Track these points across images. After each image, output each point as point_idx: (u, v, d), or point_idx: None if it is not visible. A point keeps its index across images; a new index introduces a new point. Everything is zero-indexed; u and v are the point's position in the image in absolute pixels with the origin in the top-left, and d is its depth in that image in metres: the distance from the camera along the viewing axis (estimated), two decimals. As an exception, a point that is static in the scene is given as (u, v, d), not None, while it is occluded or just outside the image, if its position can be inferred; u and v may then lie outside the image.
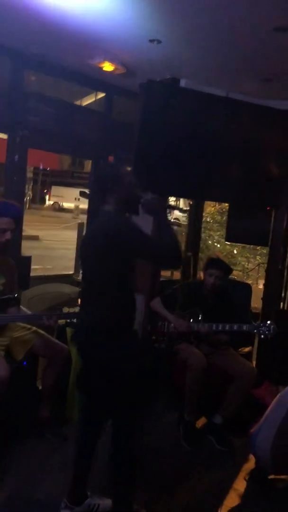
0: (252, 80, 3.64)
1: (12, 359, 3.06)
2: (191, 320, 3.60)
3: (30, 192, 25.77)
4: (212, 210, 7.74)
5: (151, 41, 3.16)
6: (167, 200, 4.22)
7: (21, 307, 3.27)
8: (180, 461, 3.15)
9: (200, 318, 3.61)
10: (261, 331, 3.39)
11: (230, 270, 3.74)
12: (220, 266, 3.65)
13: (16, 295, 3.18)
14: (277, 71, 3.43)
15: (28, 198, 24.96)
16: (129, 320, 2.39)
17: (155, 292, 3.96)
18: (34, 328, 3.21)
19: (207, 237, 7.26)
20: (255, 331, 3.46)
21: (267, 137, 3.94)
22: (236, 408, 3.47)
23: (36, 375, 3.41)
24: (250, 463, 3.13)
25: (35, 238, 14.95)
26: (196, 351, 3.52)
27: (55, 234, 15.69)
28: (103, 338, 2.27)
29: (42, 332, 3.22)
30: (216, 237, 7.39)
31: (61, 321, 3.50)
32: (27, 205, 24.18)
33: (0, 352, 2.96)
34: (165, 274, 5.75)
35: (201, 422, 3.67)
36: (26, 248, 12.87)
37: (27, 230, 15.94)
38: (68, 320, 3.43)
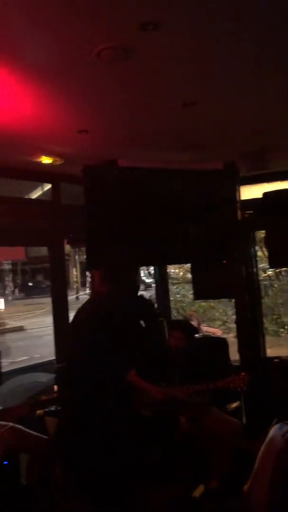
0: (178, 149, 3.92)
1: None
2: (168, 385, 3.59)
3: (11, 284, 25.85)
4: (178, 270, 7.90)
5: (79, 132, 3.40)
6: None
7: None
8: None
9: (177, 381, 3.61)
10: (232, 386, 3.39)
11: (191, 331, 3.79)
12: (180, 327, 3.71)
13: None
14: (192, 140, 3.72)
15: (9, 290, 25.02)
16: None
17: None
18: (11, 424, 3.17)
19: (182, 297, 7.35)
20: (231, 385, 3.46)
21: (206, 195, 4.17)
22: (228, 467, 3.39)
23: (19, 472, 3.31)
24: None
25: (20, 329, 14.84)
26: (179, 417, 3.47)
27: (40, 321, 15.58)
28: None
29: (19, 427, 3.17)
30: (190, 296, 7.48)
31: (39, 412, 3.47)
32: (10, 298, 24.17)
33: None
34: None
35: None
36: (12, 341, 12.75)
37: (11, 323, 15.91)
38: (47, 409, 3.39)
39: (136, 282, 2.64)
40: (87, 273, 19.63)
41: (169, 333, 3.73)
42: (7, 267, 23.31)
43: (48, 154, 3.75)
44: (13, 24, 2.01)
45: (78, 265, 23.63)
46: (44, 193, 4.65)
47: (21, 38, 2.14)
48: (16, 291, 26.51)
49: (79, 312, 2.70)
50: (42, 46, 2.21)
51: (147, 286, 8.86)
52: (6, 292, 24.11)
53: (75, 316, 2.78)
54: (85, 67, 2.42)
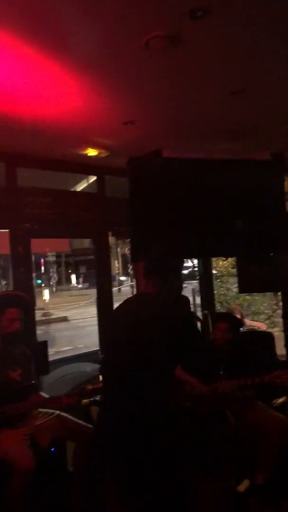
0: (226, 139, 3.84)
1: (39, 447, 3.06)
2: (213, 380, 3.56)
3: (55, 275, 26.38)
4: (224, 263, 7.80)
5: (125, 123, 3.40)
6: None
7: (41, 393, 3.32)
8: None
9: (221, 375, 3.57)
10: (278, 381, 3.31)
11: (237, 323, 3.73)
12: (225, 319, 3.66)
13: (33, 382, 3.24)
14: (239, 130, 3.65)
15: (53, 281, 25.54)
16: None
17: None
18: (57, 412, 3.23)
19: (225, 291, 7.27)
20: (277, 380, 3.38)
21: (253, 187, 4.07)
22: (275, 465, 3.33)
23: (66, 459, 3.37)
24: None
25: (64, 319, 15.13)
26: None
27: (83, 312, 15.85)
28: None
29: (65, 415, 3.23)
30: (234, 290, 7.38)
31: (85, 401, 3.52)
32: (54, 289, 24.69)
33: (25, 442, 2.96)
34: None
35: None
36: (56, 331, 13.03)
37: (56, 313, 16.26)
38: (92, 399, 3.43)
39: (180, 279, 2.57)
40: (129, 266, 19.77)
41: (213, 326, 3.69)
42: (51, 259, 23.77)
43: (94, 146, 3.78)
44: (63, 16, 2.03)
45: (119, 257, 23.83)
46: (89, 186, 4.69)
47: (71, 31, 2.16)
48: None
49: (123, 309, 2.59)
50: (91, 37, 2.22)
51: (192, 277, 8.78)
52: (51, 283, 24.64)
53: (120, 312, 2.62)
54: (133, 57, 2.41)
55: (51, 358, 4.23)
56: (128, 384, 2.22)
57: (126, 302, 2.54)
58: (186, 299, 3.19)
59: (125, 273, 23.98)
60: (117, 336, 2.38)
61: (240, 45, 2.39)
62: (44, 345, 3.97)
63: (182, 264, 2.62)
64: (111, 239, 5.11)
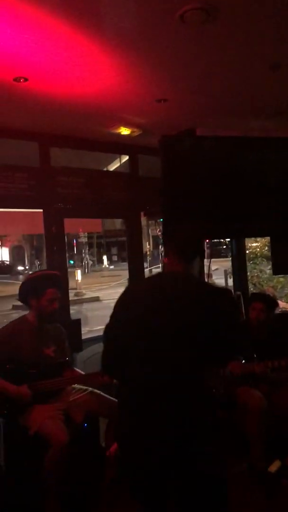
0: (262, 116, 3.74)
1: (72, 422, 3.13)
2: (246, 360, 3.54)
3: (87, 256, 26.67)
4: (258, 245, 7.68)
5: (158, 101, 3.35)
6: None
7: (76, 369, 3.39)
8: None
9: (254, 356, 3.54)
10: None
11: (273, 302, 3.69)
12: (261, 299, 3.62)
13: (67, 358, 3.30)
14: (276, 107, 3.54)
15: (85, 262, 25.85)
16: None
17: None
18: (90, 389, 3.29)
19: (258, 273, 7.18)
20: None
21: (285, 166, 3.97)
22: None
23: (98, 435, 3.44)
24: None
25: (96, 299, 15.32)
26: (254, 393, 3.42)
27: (115, 292, 16.00)
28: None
29: (97, 391, 3.28)
30: (268, 272, 7.27)
31: (117, 379, 3.56)
32: (86, 270, 24.99)
33: (59, 417, 3.03)
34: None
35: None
36: (89, 310, 13.20)
37: (88, 293, 16.48)
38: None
39: (203, 261, 2.35)
40: (161, 247, 19.76)
41: (250, 305, 3.66)
42: (83, 240, 24.03)
43: (126, 125, 3.75)
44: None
45: (150, 239, 23.84)
46: (122, 166, 4.67)
47: (105, 6, 2.12)
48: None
49: (148, 284, 2.31)
50: (124, 12, 2.17)
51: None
52: (83, 263, 24.95)
53: (142, 287, 2.32)
54: (167, 31, 2.35)
55: (84, 337, 4.30)
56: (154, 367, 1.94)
57: (149, 279, 2.32)
58: (229, 291, 3.09)
59: (157, 255, 24.00)
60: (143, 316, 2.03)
61: (279, 17, 2.29)
62: (78, 323, 4.04)
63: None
64: (143, 220, 5.08)
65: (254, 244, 7.56)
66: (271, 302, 3.67)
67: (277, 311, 5.48)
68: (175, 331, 1.92)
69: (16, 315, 3.50)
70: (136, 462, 1.99)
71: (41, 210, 3.97)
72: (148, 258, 22.96)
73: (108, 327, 2.19)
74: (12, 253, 31.00)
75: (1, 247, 30.33)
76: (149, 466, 1.94)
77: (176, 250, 2.21)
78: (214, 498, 1.92)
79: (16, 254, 30.89)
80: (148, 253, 23.86)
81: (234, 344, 2.02)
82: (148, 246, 24.20)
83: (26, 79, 2.81)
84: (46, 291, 3.15)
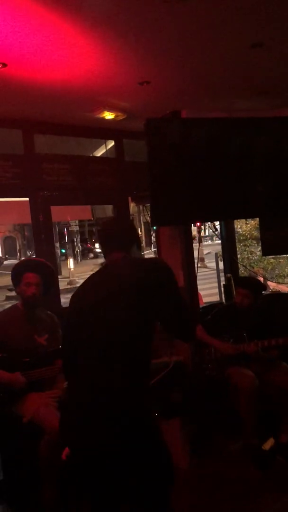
0: (247, 96, 3.71)
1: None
2: (236, 341, 3.57)
3: (79, 245, 26.58)
4: (247, 226, 7.69)
5: (141, 83, 3.30)
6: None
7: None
8: (249, 488, 3.06)
9: (245, 337, 3.58)
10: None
11: (258, 287, 3.70)
12: (245, 285, 3.64)
13: (60, 347, 3.29)
14: (261, 86, 3.49)
15: (77, 251, 25.77)
16: None
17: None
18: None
19: (249, 255, 7.19)
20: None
21: (277, 146, 3.95)
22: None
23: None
24: None
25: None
26: (246, 372, 3.46)
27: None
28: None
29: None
30: (258, 253, 7.29)
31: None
32: (78, 259, 24.92)
33: (52, 404, 3.04)
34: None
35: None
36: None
37: (81, 282, 16.46)
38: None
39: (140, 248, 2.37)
40: (152, 233, 19.73)
41: (236, 290, 3.68)
42: (75, 228, 23.90)
43: (110, 109, 3.70)
44: None
45: (142, 226, 23.77)
46: (108, 151, 4.63)
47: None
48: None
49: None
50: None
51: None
52: (75, 252, 24.86)
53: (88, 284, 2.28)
54: (146, 11, 2.30)
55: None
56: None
57: (98, 271, 2.31)
58: (160, 259, 3.04)
59: (148, 241, 24.00)
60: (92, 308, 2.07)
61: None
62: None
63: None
64: (134, 207, 5.06)
65: (243, 226, 7.57)
66: (256, 286, 3.69)
67: (268, 291, 5.54)
68: (116, 320, 1.94)
69: (10, 306, 3.53)
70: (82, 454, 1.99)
71: (28, 199, 3.94)
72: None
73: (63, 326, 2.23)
74: (3, 244, 30.85)
75: (-7, 239, 30.18)
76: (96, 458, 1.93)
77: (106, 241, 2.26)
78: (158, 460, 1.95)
79: (8, 245, 30.76)
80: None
81: (179, 308, 2.02)
82: (140, 233, 24.14)
83: (4, 65, 2.76)
84: (23, 275, 3.21)
